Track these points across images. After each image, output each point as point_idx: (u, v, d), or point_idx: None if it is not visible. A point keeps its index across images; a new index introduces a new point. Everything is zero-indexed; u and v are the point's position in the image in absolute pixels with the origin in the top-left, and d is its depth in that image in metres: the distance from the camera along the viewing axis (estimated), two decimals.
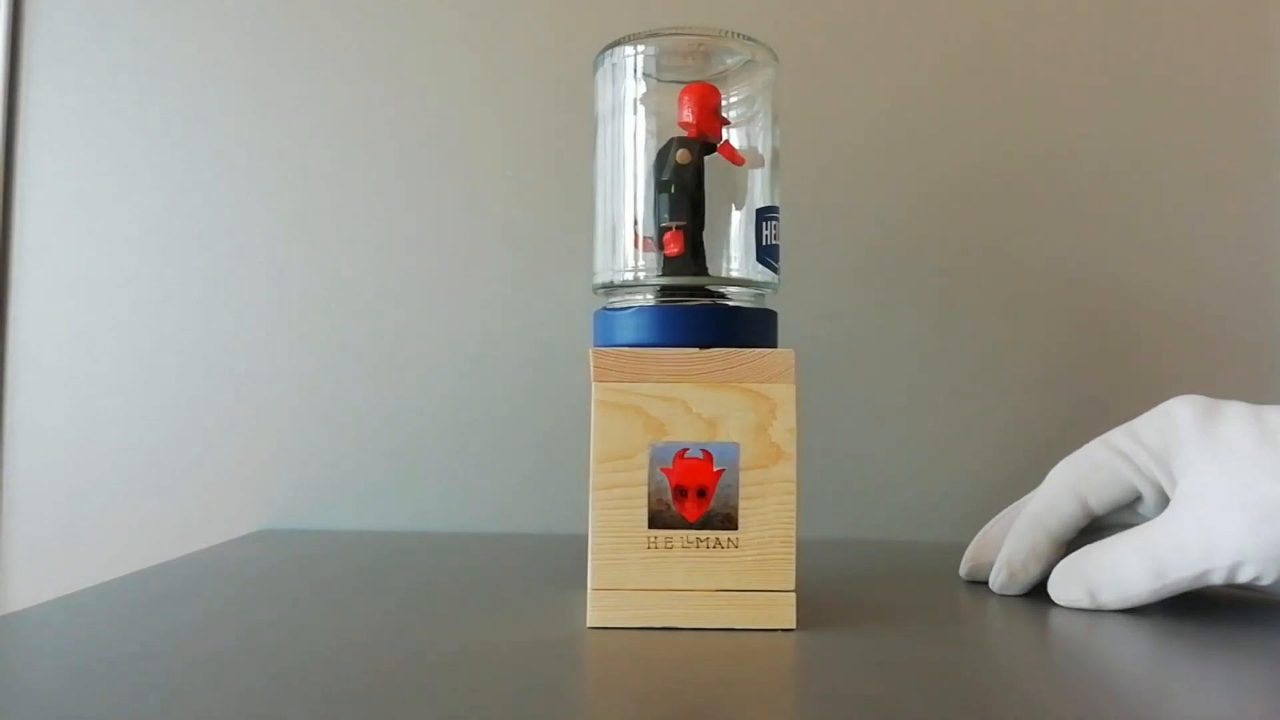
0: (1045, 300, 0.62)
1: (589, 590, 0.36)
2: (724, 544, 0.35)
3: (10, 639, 0.34)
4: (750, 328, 0.38)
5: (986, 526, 0.47)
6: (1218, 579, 0.36)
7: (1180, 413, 0.39)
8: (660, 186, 0.38)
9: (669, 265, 0.38)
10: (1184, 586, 0.37)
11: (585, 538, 0.36)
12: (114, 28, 0.64)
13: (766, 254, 0.39)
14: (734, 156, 0.39)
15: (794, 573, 0.35)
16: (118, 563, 0.57)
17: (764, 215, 0.39)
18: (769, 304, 0.40)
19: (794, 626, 0.35)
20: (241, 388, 0.63)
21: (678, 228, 0.38)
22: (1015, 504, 0.46)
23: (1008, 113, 0.63)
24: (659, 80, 0.40)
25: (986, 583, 0.44)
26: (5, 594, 0.62)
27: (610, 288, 0.40)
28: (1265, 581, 0.36)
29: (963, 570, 0.47)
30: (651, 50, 0.40)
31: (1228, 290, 0.63)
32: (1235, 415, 0.38)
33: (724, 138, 0.39)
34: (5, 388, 0.63)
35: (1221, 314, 0.63)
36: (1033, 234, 0.63)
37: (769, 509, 0.36)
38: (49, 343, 0.63)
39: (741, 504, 0.36)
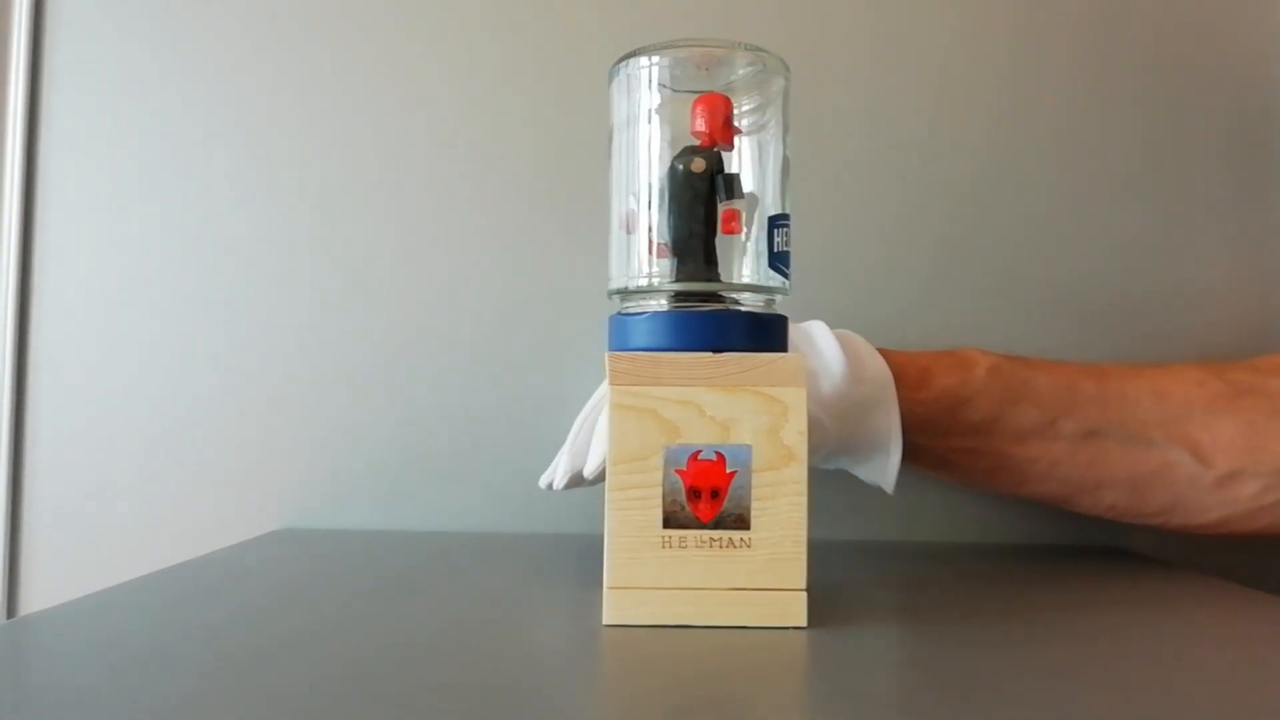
0: (1051, 303, 0.63)
1: (605, 588, 0.36)
2: (737, 544, 0.36)
3: (38, 638, 0.35)
4: (762, 332, 0.38)
5: (571, 437, 0.48)
6: None
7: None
8: (674, 195, 0.39)
9: (682, 270, 0.39)
10: None
11: (600, 538, 0.36)
12: (134, 33, 0.65)
13: (778, 260, 0.40)
14: (731, 229, 0.39)
15: (805, 572, 0.36)
16: (138, 562, 0.57)
17: (775, 222, 0.40)
18: (780, 309, 0.41)
19: (805, 624, 0.36)
20: (259, 389, 0.63)
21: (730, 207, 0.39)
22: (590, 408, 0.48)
23: (1014, 117, 0.64)
24: (673, 90, 0.41)
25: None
26: (28, 593, 0.63)
27: (625, 293, 0.41)
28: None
29: (559, 483, 0.48)
30: (665, 61, 0.41)
31: (1228, 291, 0.63)
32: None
33: (735, 148, 0.40)
34: (27, 389, 0.64)
35: (1223, 313, 0.63)
36: (1040, 239, 0.63)
37: (781, 510, 0.36)
38: (70, 344, 0.64)
39: (754, 505, 0.36)
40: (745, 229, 0.40)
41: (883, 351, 0.51)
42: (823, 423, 0.48)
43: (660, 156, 0.40)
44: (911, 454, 0.52)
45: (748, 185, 0.40)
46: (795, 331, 0.50)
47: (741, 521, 0.36)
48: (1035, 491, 0.55)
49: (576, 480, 0.48)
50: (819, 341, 0.50)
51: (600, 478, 0.46)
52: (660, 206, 0.39)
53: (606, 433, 0.46)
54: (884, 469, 0.50)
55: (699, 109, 0.39)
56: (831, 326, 0.51)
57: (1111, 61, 0.64)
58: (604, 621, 0.36)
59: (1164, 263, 0.63)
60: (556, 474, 0.49)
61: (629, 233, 0.41)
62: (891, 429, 0.49)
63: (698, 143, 0.39)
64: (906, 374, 0.50)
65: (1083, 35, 0.64)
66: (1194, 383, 0.52)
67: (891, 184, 0.64)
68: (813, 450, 0.47)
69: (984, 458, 0.53)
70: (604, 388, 0.45)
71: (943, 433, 0.51)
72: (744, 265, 0.40)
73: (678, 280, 0.39)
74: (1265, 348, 0.62)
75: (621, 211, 0.41)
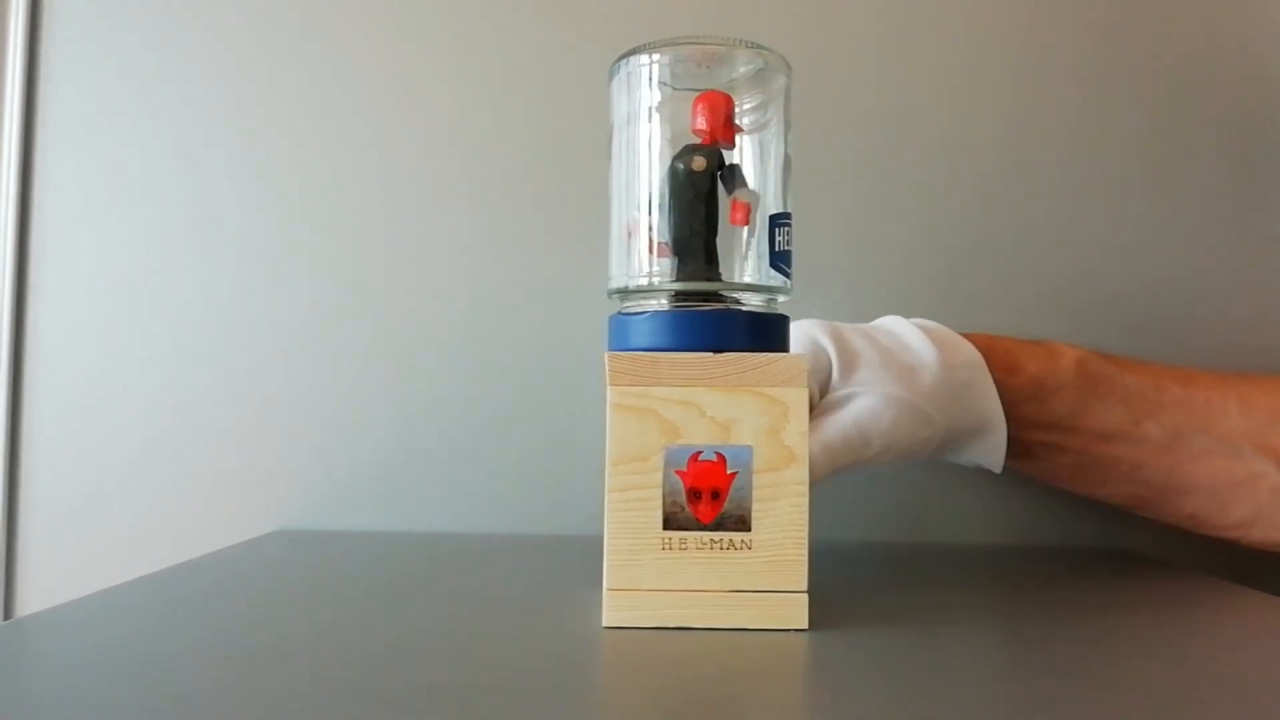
0: (1054, 304, 0.63)
1: (604, 590, 0.36)
2: (737, 545, 0.36)
3: (36, 640, 0.35)
4: (763, 332, 0.38)
5: None
6: (870, 460, 0.46)
7: (824, 361, 0.47)
8: (674, 193, 0.39)
9: (683, 269, 0.39)
10: (846, 468, 0.46)
11: (599, 539, 0.36)
12: (131, 31, 0.64)
13: (779, 259, 0.40)
14: (738, 219, 0.39)
15: (806, 574, 0.36)
16: (136, 563, 0.57)
17: (777, 221, 0.40)
18: (781, 309, 0.41)
19: (806, 626, 0.36)
20: (255, 390, 0.63)
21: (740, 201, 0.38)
22: None
23: (1020, 117, 0.64)
24: (673, 88, 0.41)
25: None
26: (25, 595, 0.63)
27: (625, 292, 0.40)
28: (903, 462, 0.48)
29: None
30: (666, 59, 0.40)
31: (1234, 289, 0.63)
32: (860, 345, 0.48)
33: (737, 147, 0.40)
34: (23, 389, 0.63)
35: (1229, 312, 0.63)
36: (1047, 238, 0.63)
37: (782, 511, 0.36)
38: (67, 345, 0.64)
39: (755, 506, 0.36)
40: (749, 224, 0.40)
41: (964, 335, 0.50)
42: (930, 417, 0.47)
43: (661, 155, 0.40)
44: None
45: (749, 184, 0.40)
46: (875, 332, 0.49)
47: (742, 523, 0.36)
48: (1116, 493, 0.54)
49: None
50: (904, 336, 0.49)
51: None
52: (660, 205, 0.39)
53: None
54: (990, 449, 0.49)
55: (700, 107, 0.39)
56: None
57: (1117, 63, 0.64)
58: (603, 624, 0.36)
59: (1171, 262, 0.63)
60: None
61: (629, 245, 0.40)
62: (993, 407, 0.48)
63: (699, 141, 0.39)
64: (994, 355, 0.49)
65: (1089, 37, 0.64)
66: None
67: (893, 183, 0.63)
68: (923, 445, 0.48)
69: (1067, 454, 0.52)
70: None
71: (1028, 423, 0.50)
72: (745, 265, 0.40)
73: (678, 280, 0.39)
74: (1271, 347, 0.62)
75: (623, 222, 0.41)
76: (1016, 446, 0.51)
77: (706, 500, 0.36)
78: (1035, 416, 0.50)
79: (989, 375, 0.48)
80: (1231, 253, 0.63)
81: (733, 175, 0.39)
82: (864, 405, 0.46)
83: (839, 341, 0.47)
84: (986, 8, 0.64)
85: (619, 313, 0.40)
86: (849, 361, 0.47)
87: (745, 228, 0.40)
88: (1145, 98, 0.64)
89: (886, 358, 0.47)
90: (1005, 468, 0.52)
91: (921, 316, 0.51)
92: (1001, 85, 0.64)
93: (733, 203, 0.39)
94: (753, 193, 0.40)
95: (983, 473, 0.62)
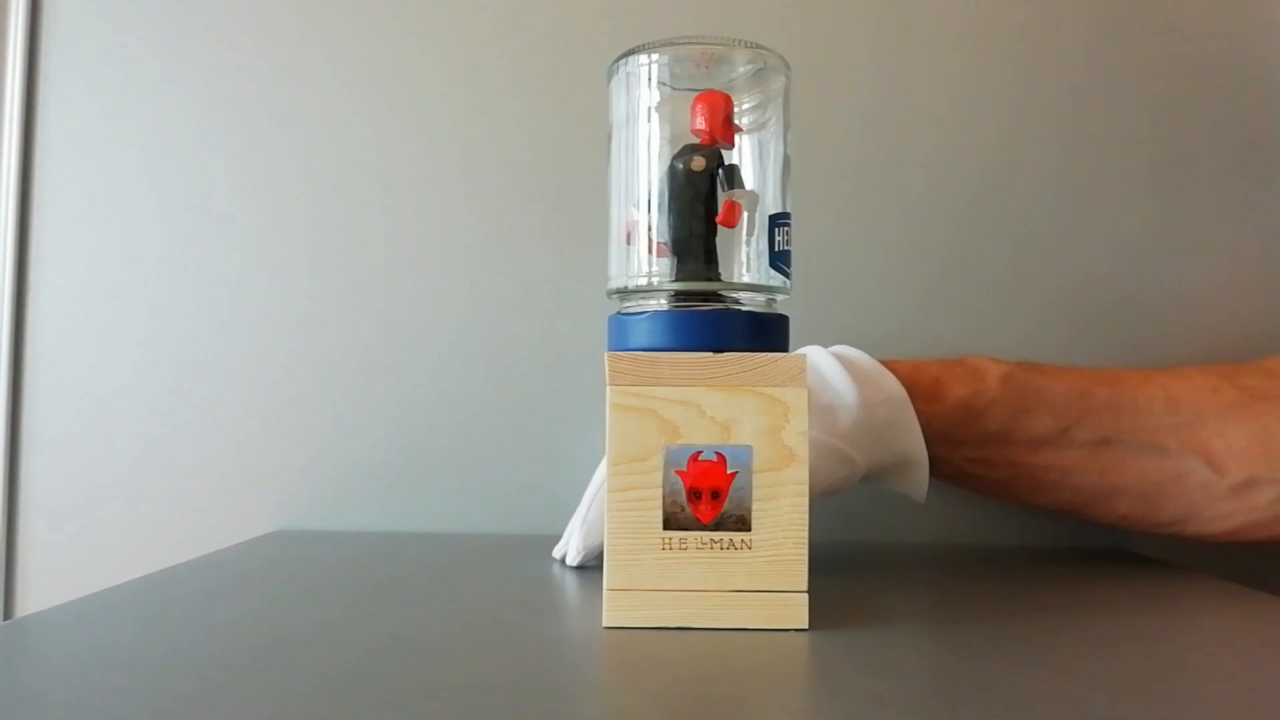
0: (1055, 303, 0.63)
1: (605, 590, 0.36)
2: (738, 545, 0.36)
3: (35, 640, 0.35)
4: (763, 332, 0.38)
5: (583, 512, 0.49)
6: None
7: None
8: (674, 193, 0.39)
9: (682, 269, 0.39)
10: None
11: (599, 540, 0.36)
12: (131, 32, 0.64)
13: (779, 259, 0.40)
14: (729, 219, 0.39)
15: (806, 574, 0.36)
16: (135, 564, 0.57)
17: (776, 221, 0.40)
18: (781, 309, 0.41)
19: (806, 626, 0.36)
20: (255, 390, 0.63)
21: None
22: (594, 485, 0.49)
23: (1019, 118, 0.64)
24: (672, 88, 0.41)
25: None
26: (25, 595, 0.63)
27: (624, 293, 0.40)
28: (822, 498, 0.48)
29: (573, 559, 0.49)
30: (665, 59, 0.40)
31: (1233, 292, 0.63)
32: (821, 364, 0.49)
33: (736, 147, 0.40)
34: (23, 390, 0.63)
35: (1228, 314, 0.63)
36: (1045, 241, 0.63)
37: (782, 511, 0.36)
38: (67, 345, 0.64)
39: (755, 506, 0.36)
40: (746, 224, 0.40)
41: (887, 364, 0.50)
42: (850, 457, 0.47)
43: (660, 155, 0.40)
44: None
45: (748, 184, 0.40)
46: None
47: (742, 523, 0.36)
48: (1049, 501, 0.54)
49: (592, 555, 0.48)
50: (824, 371, 0.49)
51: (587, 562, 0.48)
52: (660, 205, 0.39)
53: (587, 522, 0.48)
54: (912, 482, 0.50)
55: (699, 107, 0.39)
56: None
57: (1116, 64, 0.64)
58: (603, 624, 0.36)
59: (1168, 265, 0.63)
60: (569, 549, 0.49)
61: (629, 245, 0.40)
62: (916, 443, 0.49)
63: (698, 141, 0.39)
64: (919, 385, 0.50)
65: (1087, 38, 0.64)
66: (1207, 389, 0.51)
67: (893, 183, 0.63)
68: (844, 483, 0.48)
69: (998, 468, 0.52)
70: (603, 469, 0.44)
71: (957, 444, 0.51)
72: (744, 264, 0.40)
73: (678, 280, 0.39)
74: (1270, 348, 0.62)
75: (622, 223, 0.41)
76: (946, 468, 0.52)
77: (706, 500, 0.36)
78: (964, 437, 0.51)
79: (911, 411, 0.48)
80: (1231, 254, 0.63)
81: (731, 175, 0.39)
82: None
83: None
84: (984, 8, 0.64)
85: (619, 313, 0.40)
86: None
87: (744, 227, 0.40)
88: (1143, 99, 0.64)
89: None
90: (937, 487, 0.52)
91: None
92: (999, 86, 0.64)
93: (724, 202, 0.38)
94: (749, 194, 0.40)
95: None
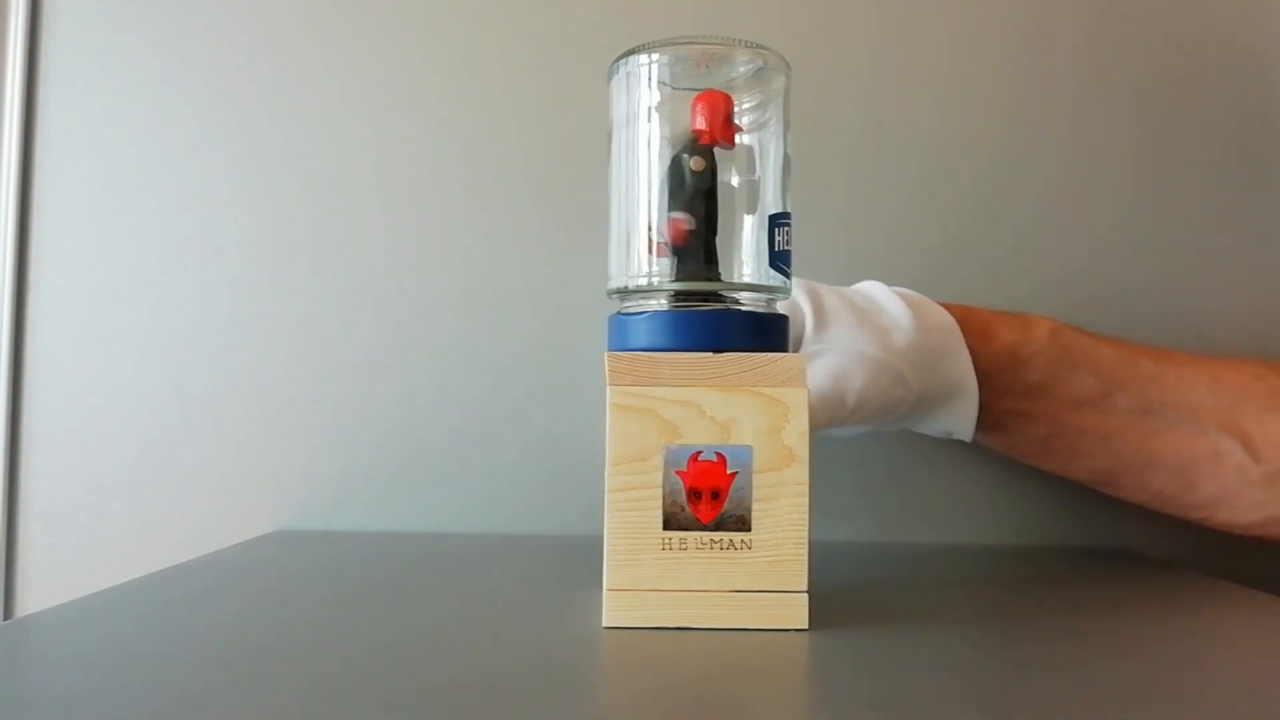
0: (1047, 300, 0.63)
1: (605, 591, 0.36)
2: (738, 545, 0.36)
3: (35, 640, 0.35)
4: (763, 332, 0.38)
5: None
6: (845, 419, 0.47)
7: (799, 316, 0.48)
8: (674, 193, 0.39)
9: (683, 269, 0.39)
10: (823, 426, 0.47)
11: (599, 540, 0.36)
12: (131, 32, 0.64)
13: (779, 259, 0.40)
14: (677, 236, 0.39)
15: (806, 574, 0.36)
16: (134, 564, 0.57)
17: (776, 221, 0.40)
18: (781, 309, 0.41)
19: (806, 627, 0.36)
20: (255, 390, 0.63)
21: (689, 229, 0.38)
22: None
23: (1017, 117, 0.64)
24: (673, 88, 0.41)
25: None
26: (24, 595, 0.63)
27: (624, 292, 0.40)
28: (875, 423, 0.49)
29: None
30: (665, 58, 0.40)
31: (1229, 288, 0.63)
32: (835, 304, 0.49)
33: (736, 146, 0.40)
34: (23, 390, 0.63)
35: (1224, 312, 0.63)
36: (1041, 238, 0.63)
37: (782, 511, 0.36)
38: (67, 345, 0.64)
39: (755, 506, 0.36)
40: (739, 223, 0.40)
41: (940, 304, 0.51)
42: (904, 376, 0.47)
43: (660, 154, 0.40)
44: None
45: (747, 185, 0.40)
46: (852, 293, 0.50)
47: (742, 523, 0.36)
48: (1084, 468, 0.54)
49: None
50: (878, 298, 0.50)
51: None
52: (660, 206, 0.39)
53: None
54: (961, 415, 0.50)
55: (699, 107, 0.39)
56: None
57: (1113, 62, 0.64)
58: (603, 624, 0.36)
59: (1164, 257, 0.63)
60: None
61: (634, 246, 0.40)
62: (966, 372, 0.49)
63: (698, 141, 0.39)
64: (969, 323, 0.50)
65: (1085, 36, 0.64)
66: (1252, 375, 0.51)
67: (893, 182, 0.63)
68: (896, 404, 0.48)
69: (1038, 423, 0.52)
70: None
71: (1001, 392, 0.51)
72: (744, 264, 0.40)
73: (678, 280, 0.39)
74: (1265, 344, 0.62)
75: (623, 222, 0.40)
76: (987, 417, 0.52)
77: (706, 500, 0.36)
78: (1008, 385, 0.51)
79: (962, 341, 0.49)
80: (1224, 248, 0.63)
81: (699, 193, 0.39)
82: (838, 364, 0.46)
83: (815, 299, 0.48)
84: (982, 8, 0.64)
85: (619, 313, 0.40)
86: (823, 319, 0.48)
87: (744, 227, 0.40)
88: (1138, 94, 0.64)
89: (861, 317, 0.48)
90: (976, 441, 0.52)
91: None
92: (994, 81, 0.64)
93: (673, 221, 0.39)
94: (745, 187, 0.40)
95: (982, 471, 0.62)
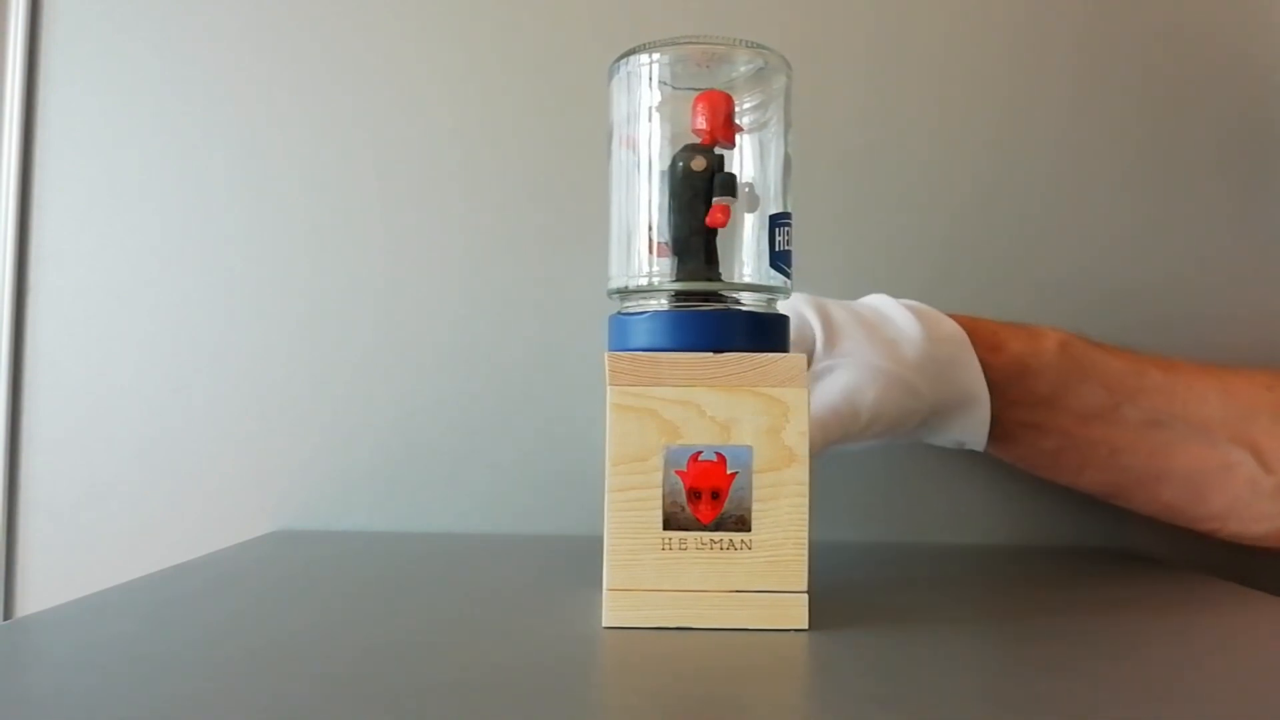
0: (1047, 301, 0.63)
1: (604, 591, 0.36)
2: (738, 545, 0.36)
3: (35, 640, 0.35)
4: (763, 332, 0.38)
5: None
6: (860, 434, 0.47)
7: (808, 333, 0.48)
8: (674, 193, 0.39)
9: (683, 269, 0.39)
10: (837, 441, 0.46)
11: (599, 539, 0.36)
12: (131, 32, 0.64)
13: (779, 259, 0.40)
14: (716, 220, 0.39)
15: (806, 574, 0.36)
16: (134, 564, 0.57)
17: (777, 221, 0.40)
18: (781, 309, 0.41)
19: (806, 627, 0.36)
20: (255, 390, 0.63)
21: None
22: None
23: (1016, 116, 0.64)
24: (673, 88, 0.41)
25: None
26: (25, 595, 0.63)
27: (625, 292, 0.40)
28: (889, 436, 0.49)
29: None
30: (666, 58, 0.40)
31: (1228, 287, 0.63)
32: (844, 319, 0.49)
33: (736, 145, 0.40)
34: (23, 389, 0.63)
35: (1223, 311, 0.63)
36: (1042, 237, 0.63)
37: (782, 511, 0.36)
38: (67, 345, 0.63)
39: (755, 506, 0.36)
40: (740, 223, 0.40)
41: (949, 314, 0.51)
42: (917, 388, 0.47)
43: (660, 154, 0.40)
44: None
45: (749, 182, 0.40)
46: (859, 307, 0.50)
47: (742, 523, 0.36)
48: (1094, 480, 0.54)
49: None
50: (886, 311, 0.50)
51: None
52: (660, 205, 0.39)
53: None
54: (974, 424, 0.50)
55: (700, 107, 0.39)
56: None
57: (1112, 60, 0.64)
58: (603, 624, 0.36)
59: (1165, 258, 0.63)
60: None
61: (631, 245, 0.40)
62: (977, 382, 0.49)
63: (698, 141, 0.39)
64: (978, 334, 0.50)
65: (1084, 33, 0.64)
66: (1263, 386, 0.51)
67: (892, 182, 0.63)
68: (910, 416, 0.48)
69: (1048, 436, 0.52)
70: None
71: (1011, 403, 0.51)
72: (745, 264, 0.40)
73: (678, 279, 0.39)
74: (1266, 345, 0.62)
75: (623, 222, 0.40)
76: (997, 428, 0.51)
77: (706, 500, 0.36)
78: (1018, 396, 0.51)
79: (972, 351, 0.49)
80: (1226, 249, 0.63)
81: (725, 185, 0.38)
82: (850, 378, 0.46)
83: (823, 315, 0.48)
84: (981, 8, 0.64)
85: (619, 313, 0.40)
86: (833, 334, 0.47)
87: (743, 228, 0.40)
88: (1138, 94, 0.64)
89: (870, 331, 0.48)
90: (986, 452, 0.52)
91: None
92: (994, 81, 0.64)
93: (715, 205, 0.38)
94: (750, 194, 0.40)
95: (981, 471, 0.62)
